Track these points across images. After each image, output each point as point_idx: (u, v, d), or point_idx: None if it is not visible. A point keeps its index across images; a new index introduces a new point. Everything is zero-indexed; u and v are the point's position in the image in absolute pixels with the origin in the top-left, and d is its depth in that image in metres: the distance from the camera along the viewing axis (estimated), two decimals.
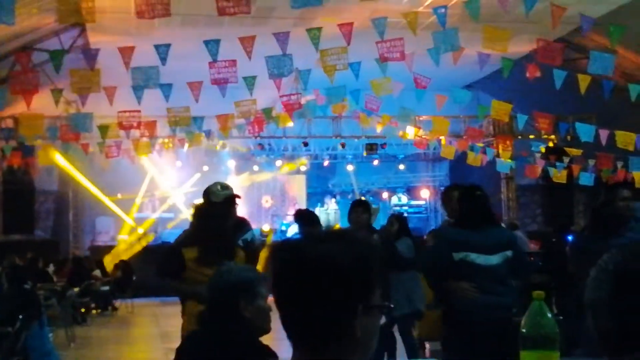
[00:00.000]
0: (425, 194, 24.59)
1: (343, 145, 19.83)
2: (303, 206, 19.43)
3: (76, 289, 13.87)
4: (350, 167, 23.43)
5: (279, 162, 22.78)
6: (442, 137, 17.57)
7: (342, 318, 1.42)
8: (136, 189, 21.42)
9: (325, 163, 23.62)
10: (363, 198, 18.70)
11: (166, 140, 17.56)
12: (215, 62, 9.48)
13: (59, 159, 17.99)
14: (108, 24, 12.73)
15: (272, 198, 23.89)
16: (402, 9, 11.31)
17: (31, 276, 11.35)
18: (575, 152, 15.46)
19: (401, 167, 24.38)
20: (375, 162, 23.24)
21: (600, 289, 1.37)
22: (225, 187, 5.58)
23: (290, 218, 21.21)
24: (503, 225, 12.78)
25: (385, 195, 24.51)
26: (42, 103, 11.99)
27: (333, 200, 23.71)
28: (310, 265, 1.43)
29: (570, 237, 10.34)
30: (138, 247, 20.45)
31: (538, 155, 17.00)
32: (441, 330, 5.38)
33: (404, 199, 24.51)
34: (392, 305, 1.72)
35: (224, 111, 13.46)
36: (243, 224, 5.81)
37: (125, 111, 12.59)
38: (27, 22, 12.35)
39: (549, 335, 2.10)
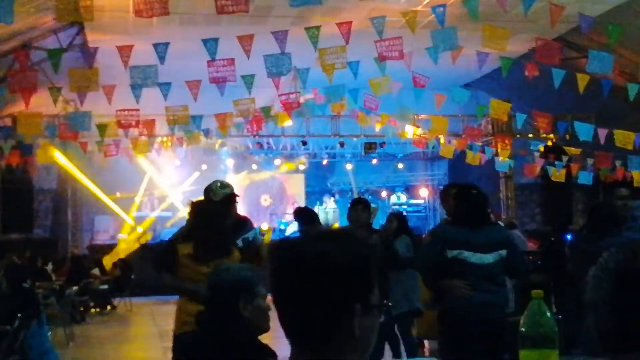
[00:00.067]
0: (424, 192, 24.59)
1: (342, 144, 19.82)
2: (302, 205, 19.42)
3: (75, 288, 13.85)
4: (349, 166, 23.43)
5: (277, 161, 22.76)
6: (440, 136, 17.56)
7: (341, 317, 1.42)
8: (135, 187, 21.41)
9: (324, 162, 23.62)
10: (361, 196, 18.67)
11: (165, 139, 17.56)
12: (214, 60, 9.48)
13: (59, 156, 17.96)
14: (106, 23, 12.71)
15: (270, 197, 23.88)
16: (400, 8, 11.31)
17: (30, 275, 11.34)
18: (574, 151, 15.47)
19: (400, 166, 24.38)
20: (374, 161, 23.24)
21: (600, 287, 1.37)
22: (225, 185, 5.58)
23: (289, 217, 21.21)
24: (501, 224, 12.80)
25: (384, 194, 24.51)
26: (41, 102, 12.00)
27: (332, 199, 23.71)
28: (308, 264, 1.42)
29: (569, 236, 10.33)
30: (136, 246, 20.46)
31: (537, 154, 17.01)
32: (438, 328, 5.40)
33: (403, 197, 24.51)
34: (390, 304, 1.72)
35: (223, 110, 13.46)
36: (245, 223, 5.81)
37: (123, 110, 12.58)
38: (25, 20, 12.33)
39: (548, 334, 2.10)
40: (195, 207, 5.18)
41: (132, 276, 17.81)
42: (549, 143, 18.26)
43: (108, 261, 19.23)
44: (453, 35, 9.80)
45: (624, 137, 12.66)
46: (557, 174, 15.96)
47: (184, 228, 5.29)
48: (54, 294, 12.13)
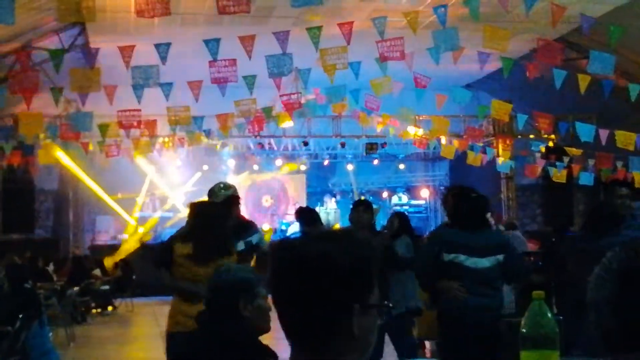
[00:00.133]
0: (425, 193, 24.60)
1: (343, 145, 19.82)
2: (303, 205, 19.41)
3: (76, 288, 13.87)
4: (350, 167, 23.43)
5: (278, 162, 22.76)
6: (442, 137, 17.56)
7: (341, 317, 1.42)
8: (136, 188, 21.41)
9: (325, 162, 23.62)
10: (362, 198, 18.67)
11: (166, 139, 17.56)
12: (215, 61, 9.48)
13: (61, 156, 17.95)
14: (108, 23, 12.72)
15: (271, 197, 23.89)
16: (402, 8, 11.31)
17: (31, 275, 11.34)
18: (575, 151, 15.46)
19: (401, 166, 24.38)
20: (375, 162, 23.24)
21: (603, 287, 1.36)
22: (227, 187, 5.59)
23: (290, 217, 21.22)
24: (501, 225, 12.79)
25: (385, 194, 24.52)
26: (42, 102, 12.00)
27: (333, 199, 23.71)
28: (309, 265, 1.42)
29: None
30: (137, 245, 20.45)
31: (538, 155, 16.99)
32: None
33: (404, 198, 24.51)
34: (390, 305, 1.72)
35: (224, 110, 13.46)
36: (248, 226, 5.80)
37: (125, 110, 12.57)
38: (27, 21, 12.34)
39: (549, 335, 2.09)
40: (195, 208, 5.19)
41: (134, 277, 17.82)
42: (550, 144, 18.25)
43: (109, 262, 19.24)
44: (454, 35, 9.79)
45: (625, 138, 12.65)
46: (558, 175, 15.95)
47: (183, 229, 5.30)
48: (55, 294, 12.14)
